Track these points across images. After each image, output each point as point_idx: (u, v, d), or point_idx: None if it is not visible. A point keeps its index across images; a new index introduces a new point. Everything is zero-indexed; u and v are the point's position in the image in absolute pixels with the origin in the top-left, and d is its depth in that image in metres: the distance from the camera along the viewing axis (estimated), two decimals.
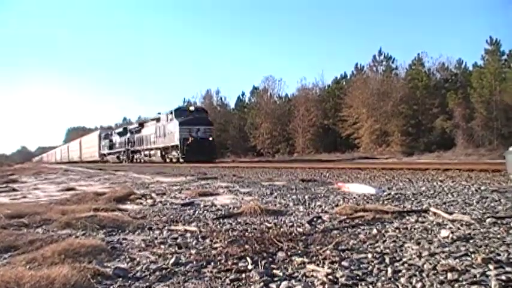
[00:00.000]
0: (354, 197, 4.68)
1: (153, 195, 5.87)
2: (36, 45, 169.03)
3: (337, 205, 4.07)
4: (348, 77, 50.24)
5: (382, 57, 45.47)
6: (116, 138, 40.08)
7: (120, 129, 40.63)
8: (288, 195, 5.15)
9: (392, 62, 45.28)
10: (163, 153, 28.10)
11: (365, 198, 4.58)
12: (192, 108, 28.44)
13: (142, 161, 32.50)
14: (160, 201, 5.12)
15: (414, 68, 43.83)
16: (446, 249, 2.29)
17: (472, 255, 2.13)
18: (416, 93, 41.39)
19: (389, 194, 4.85)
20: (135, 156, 34.24)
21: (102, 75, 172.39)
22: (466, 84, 40.16)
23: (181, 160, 24.68)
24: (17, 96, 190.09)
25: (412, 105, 41.10)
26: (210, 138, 25.71)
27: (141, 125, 33.69)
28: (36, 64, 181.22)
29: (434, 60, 44.02)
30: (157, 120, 29.38)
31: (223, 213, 3.96)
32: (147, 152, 31.37)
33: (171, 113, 26.87)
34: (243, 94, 60.74)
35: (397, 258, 2.16)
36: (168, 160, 27.42)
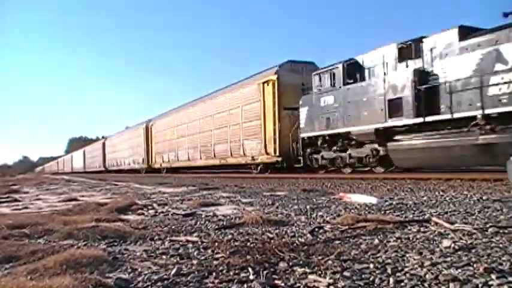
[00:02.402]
0: (356, 207, 4.67)
1: (155, 205, 5.87)
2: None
3: (338, 215, 4.06)
4: None
5: None
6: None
7: None
8: (290, 206, 5.14)
9: None
10: None
11: (367, 208, 4.58)
12: None
13: None
14: (162, 212, 5.11)
15: None
16: (448, 259, 2.28)
17: (474, 265, 2.13)
18: None
19: (390, 204, 4.85)
20: None
21: (104, 84, 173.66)
22: None
23: None
24: (18, 106, 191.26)
25: None
26: None
27: None
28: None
29: None
30: None
31: (225, 223, 3.96)
32: None
33: None
34: None
35: (399, 268, 2.15)
36: None
